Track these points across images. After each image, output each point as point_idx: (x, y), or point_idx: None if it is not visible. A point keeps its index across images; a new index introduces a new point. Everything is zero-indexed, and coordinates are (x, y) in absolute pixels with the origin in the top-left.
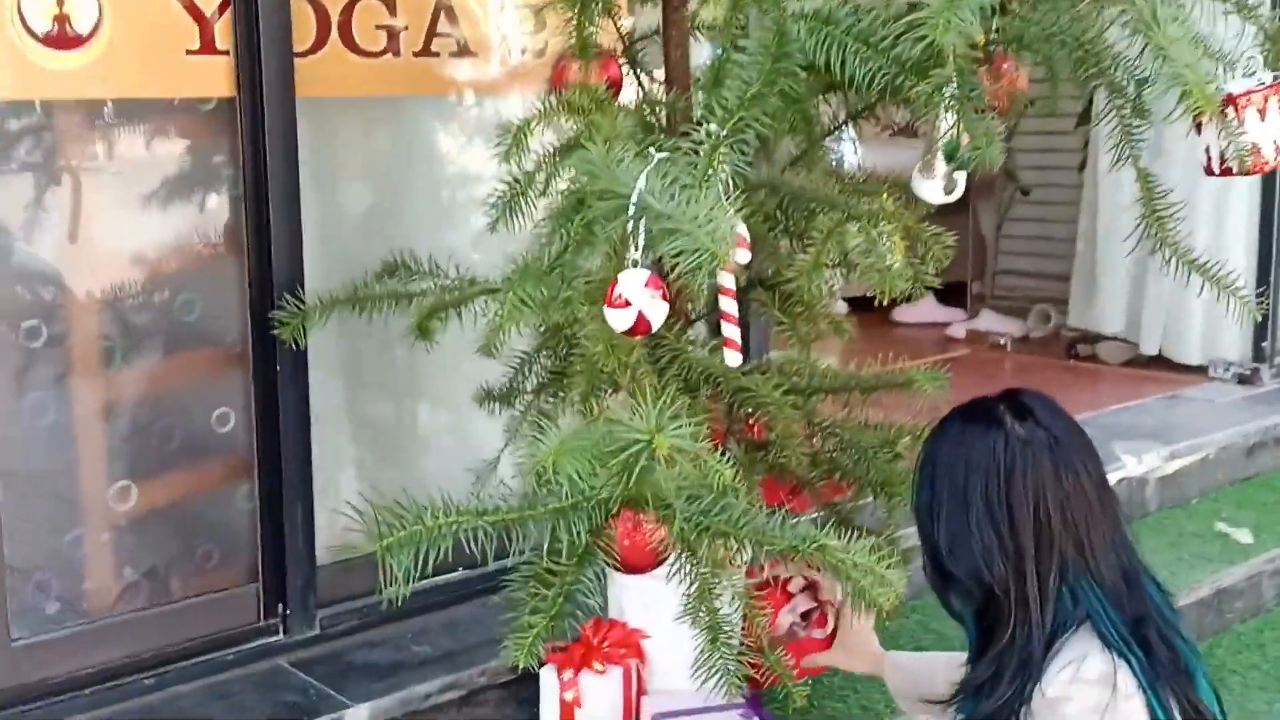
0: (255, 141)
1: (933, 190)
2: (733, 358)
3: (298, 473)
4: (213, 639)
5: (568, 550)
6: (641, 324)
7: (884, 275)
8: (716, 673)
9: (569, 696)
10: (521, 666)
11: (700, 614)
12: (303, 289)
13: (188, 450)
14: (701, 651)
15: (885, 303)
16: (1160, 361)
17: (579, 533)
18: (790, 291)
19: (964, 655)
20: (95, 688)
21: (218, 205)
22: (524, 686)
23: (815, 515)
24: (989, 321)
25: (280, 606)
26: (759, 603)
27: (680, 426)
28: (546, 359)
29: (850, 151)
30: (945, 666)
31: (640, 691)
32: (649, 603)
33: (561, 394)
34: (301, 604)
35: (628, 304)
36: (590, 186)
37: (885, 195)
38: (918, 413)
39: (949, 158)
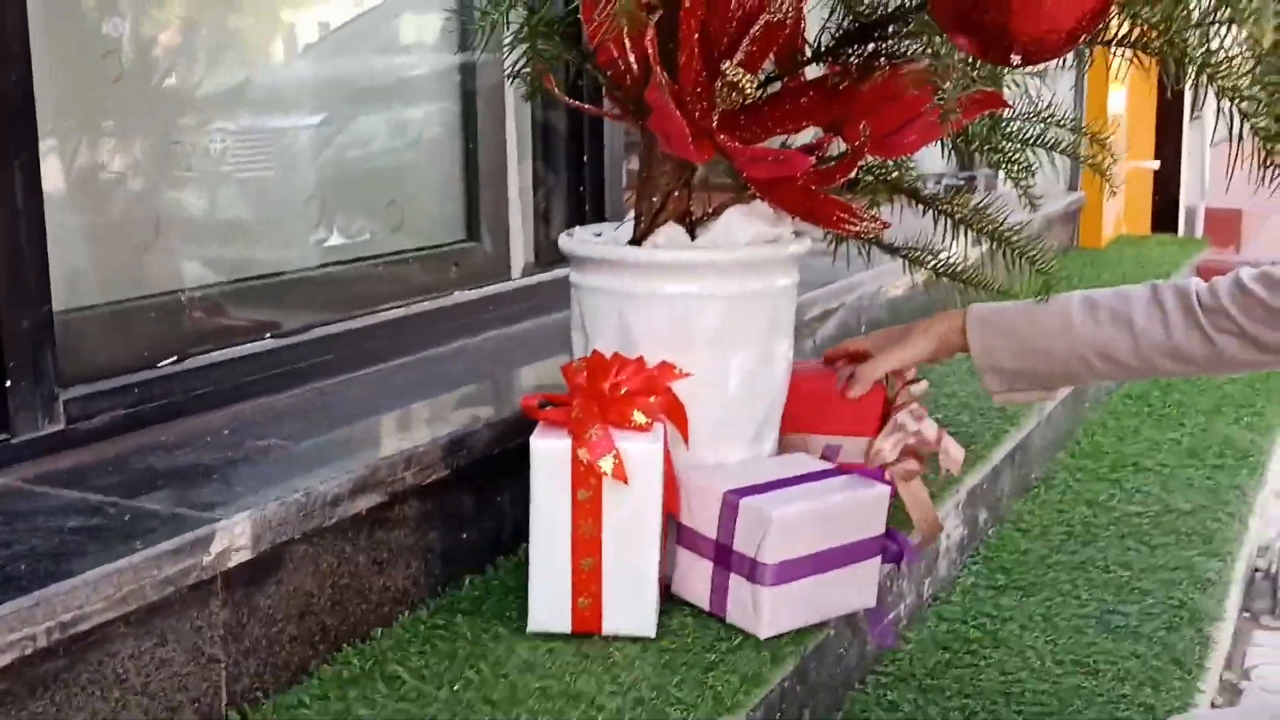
0: None
1: None
2: None
3: (10, 92)
4: None
5: None
6: None
7: None
8: None
9: (607, 465)
10: (457, 451)
11: None
12: None
13: None
14: None
15: None
16: None
17: None
18: None
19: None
20: None
21: None
22: (447, 492)
23: None
24: None
25: None
26: None
27: None
28: None
29: None
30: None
31: (669, 462)
32: (675, 317)
33: None
34: (32, 374)
35: None
36: None
37: None
38: None
39: None
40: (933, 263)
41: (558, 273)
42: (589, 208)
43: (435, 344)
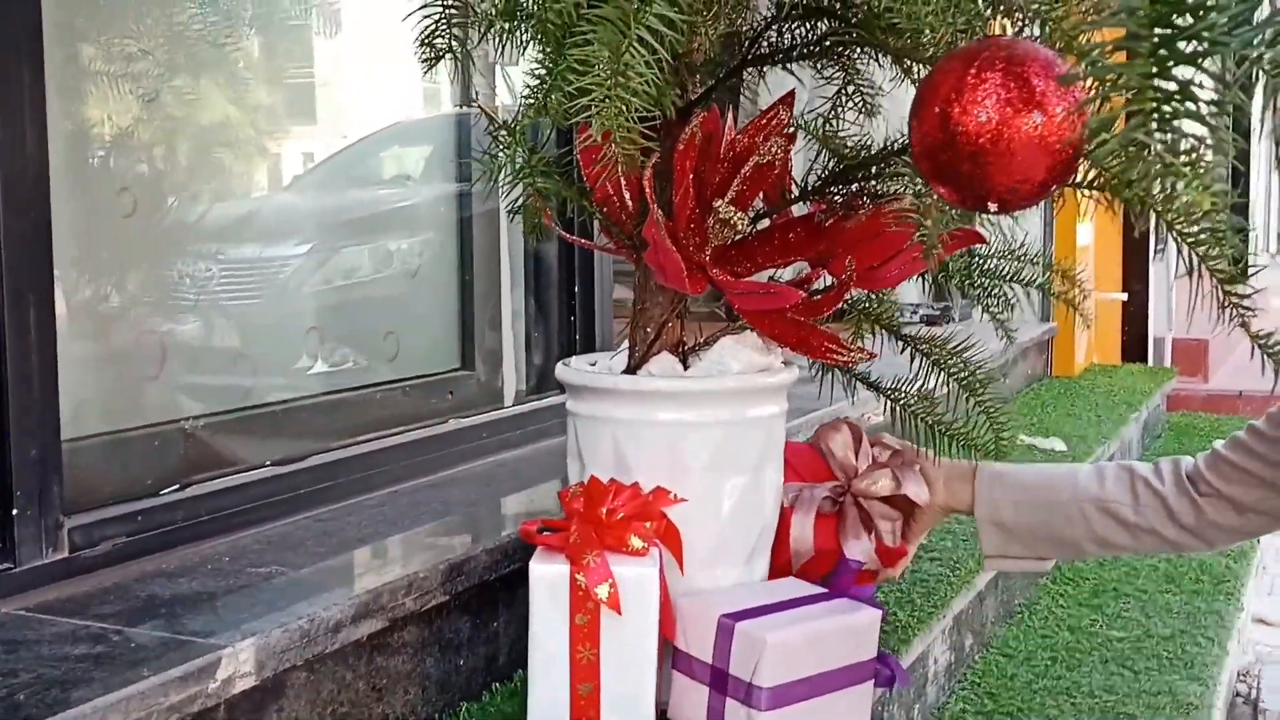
0: None
1: None
2: None
3: (28, 230)
4: None
5: None
6: None
7: None
8: None
9: (603, 593)
10: (460, 577)
11: None
12: None
13: None
14: None
15: None
16: None
17: None
18: None
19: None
20: None
21: None
22: (445, 618)
23: None
24: None
25: None
26: None
27: None
28: None
29: None
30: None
31: (664, 587)
32: (670, 444)
33: None
34: (38, 502)
35: None
36: None
37: None
38: None
39: None
40: (912, 406)
41: (550, 400)
42: (579, 336)
43: (431, 471)
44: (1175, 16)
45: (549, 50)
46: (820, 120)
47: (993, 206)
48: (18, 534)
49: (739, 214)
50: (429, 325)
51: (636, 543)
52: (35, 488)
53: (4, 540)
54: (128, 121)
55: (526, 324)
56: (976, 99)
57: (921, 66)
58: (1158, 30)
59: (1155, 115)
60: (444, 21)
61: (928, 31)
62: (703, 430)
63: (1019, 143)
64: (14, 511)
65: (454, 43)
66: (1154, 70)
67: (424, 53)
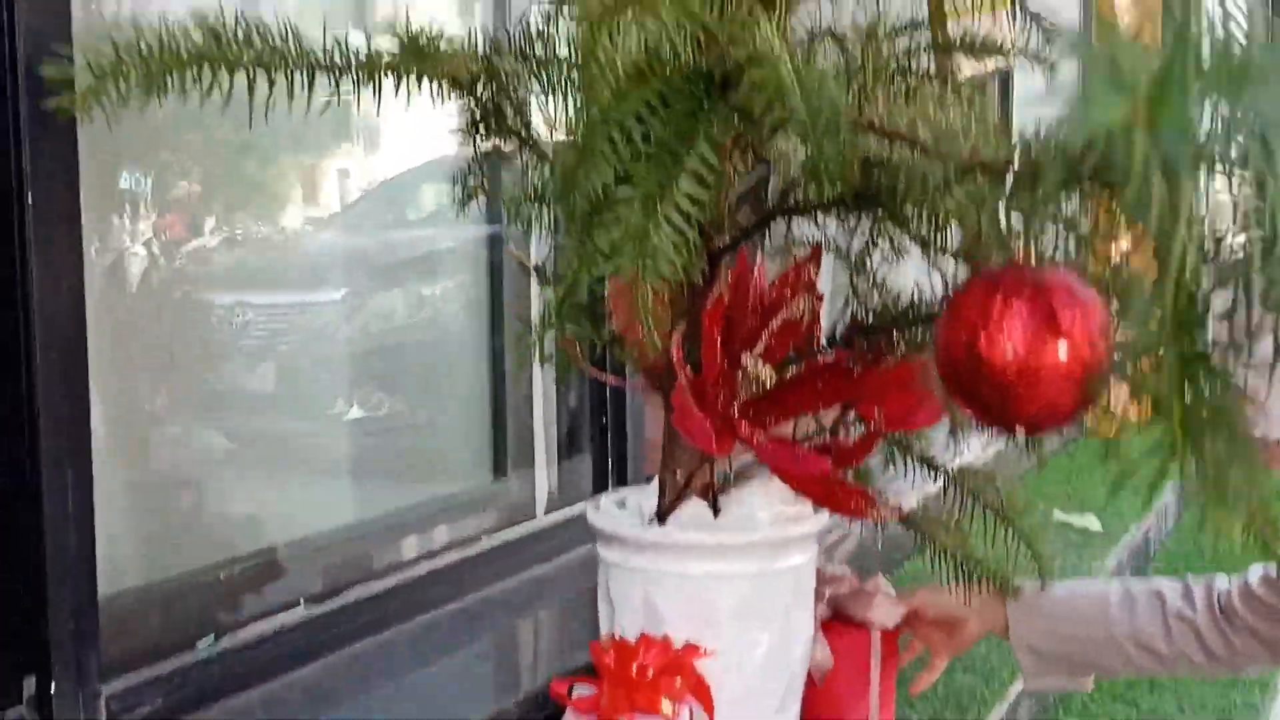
0: None
1: None
2: None
3: (64, 399)
4: None
5: None
6: None
7: None
8: None
9: None
10: None
11: None
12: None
13: None
14: None
15: None
16: None
17: None
18: None
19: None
20: None
21: None
22: None
23: None
24: None
25: (32, 682)
26: None
27: None
28: None
29: None
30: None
31: None
32: (700, 595)
33: None
34: (75, 673)
35: None
36: None
37: None
38: None
39: None
40: (943, 541)
41: (578, 508)
42: (611, 437)
43: (465, 593)
44: (1196, 329)
45: (577, 231)
46: (849, 269)
47: (1020, 431)
48: (56, 710)
49: (767, 369)
50: (462, 440)
51: (667, 708)
52: (73, 660)
53: (41, 711)
54: (164, 252)
55: (558, 425)
56: (1002, 329)
57: (945, 256)
58: (1179, 343)
59: (1177, 435)
60: (476, 163)
61: (952, 223)
62: (733, 581)
63: (1045, 374)
64: (52, 688)
65: (486, 183)
66: (1175, 386)
67: (456, 192)
